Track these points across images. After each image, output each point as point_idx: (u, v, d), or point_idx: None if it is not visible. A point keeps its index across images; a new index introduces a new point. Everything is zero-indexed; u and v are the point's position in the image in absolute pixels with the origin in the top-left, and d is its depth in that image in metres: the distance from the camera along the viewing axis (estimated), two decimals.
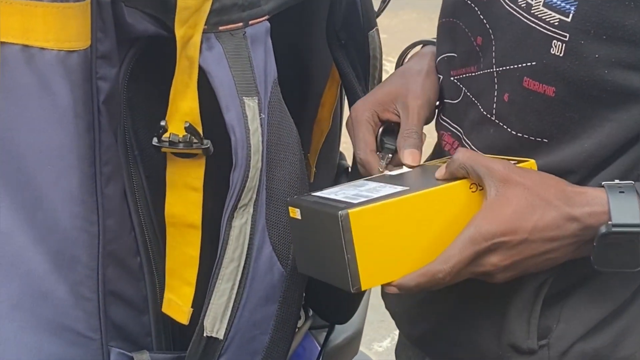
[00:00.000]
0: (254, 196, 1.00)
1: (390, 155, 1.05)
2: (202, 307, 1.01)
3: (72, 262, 0.95)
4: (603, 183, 0.89)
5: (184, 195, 1.00)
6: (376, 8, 1.25)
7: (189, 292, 1.02)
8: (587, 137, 0.91)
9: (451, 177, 0.93)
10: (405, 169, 1.01)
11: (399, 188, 0.92)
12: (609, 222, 0.86)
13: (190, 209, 1.00)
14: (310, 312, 1.42)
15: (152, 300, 1.05)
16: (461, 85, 1.02)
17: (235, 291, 1.01)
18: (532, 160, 0.93)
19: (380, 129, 1.06)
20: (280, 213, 1.03)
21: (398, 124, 1.05)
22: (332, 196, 0.93)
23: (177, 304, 1.03)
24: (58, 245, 0.94)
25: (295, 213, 0.94)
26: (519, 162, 0.93)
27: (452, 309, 1.04)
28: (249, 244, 1.01)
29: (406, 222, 0.89)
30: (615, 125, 0.90)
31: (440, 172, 0.94)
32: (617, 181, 0.89)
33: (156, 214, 1.03)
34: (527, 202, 0.88)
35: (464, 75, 1.01)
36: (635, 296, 0.99)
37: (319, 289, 1.30)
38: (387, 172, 1.01)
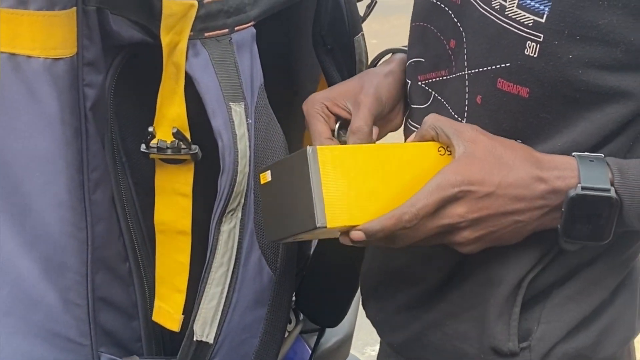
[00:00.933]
0: (242, 201, 1.01)
1: None
2: (192, 312, 1.02)
3: (62, 268, 0.96)
4: (573, 154, 0.90)
5: (173, 201, 1.01)
6: (362, 13, 1.26)
7: (180, 299, 1.03)
8: (560, 137, 0.92)
9: (421, 140, 0.94)
10: None
11: None
12: (578, 185, 0.87)
13: (179, 215, 1.01)
14: (301, 316, 1.42)
15: (141, 305, 1.05)
16: (430, 90, 1.03)
17: (224, 295, 1.01)
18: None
19: (338, 123, 1.06)
20: None
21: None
22: None
23: (168, 311, 1.04)
24: (47, 251, 0.94)
25: (266, 177, 0.95)
26: None
27: (433, 315, 1.04)
28: (237, 248, 1.01)
29: (374, 169, 0.90)
30: (589, 124, 0.91)
31: (411, 137, 0.95)
32: (587, 153, 0.90)
33: (144, 220, 1.03)
34: (495, 159, 0.89)
35: (434, 80, 1.02)
36: (614, 296, 1.00)
37: (310, 293, 1.31)
38: None
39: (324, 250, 1.31)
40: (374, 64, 1.18)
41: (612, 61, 0.87)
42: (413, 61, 1.06)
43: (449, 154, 0.93)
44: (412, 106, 1.07)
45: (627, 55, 0.87)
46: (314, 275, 1.31)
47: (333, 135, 1.06)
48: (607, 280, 0.98)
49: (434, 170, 0.91)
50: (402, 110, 1.12)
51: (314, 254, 1.33)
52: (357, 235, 0.89)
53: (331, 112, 1.06)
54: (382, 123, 1.08)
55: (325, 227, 0.88)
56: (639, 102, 0.89)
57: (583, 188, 0.87)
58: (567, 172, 0.89)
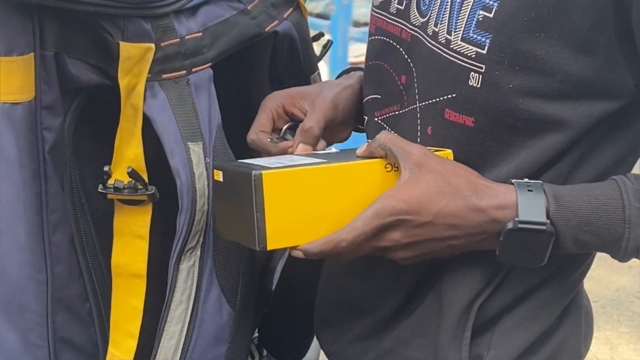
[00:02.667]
0: (201, 239, 1.02)
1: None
2: (146, 356, 1.02)
3: (22, 310, 0.96)
4: (512, 181, 0.93)
5: (130, 243, 1.01)
6: (317, 53, 1.29)
7: (132, 344, 1.03)
8: (505, 164, 0.95)
9: (370, 156, 0.96)
10: (333, 149, 1.04)
11: (318, 160, 0.96)
12: (516, 219, 0.90)
13: (135, 258, 1.01)
14: (265, 352, 1.43)
15: (102, 345, 1.05)
16: (385, 125, 1.06)
17: (184, 333, 1.02)
18: (449, 151, 0.97)
19: (287, 125, 1.09)
20: (228, 254, 1.04)
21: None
22: (255, 162, 0.96)
23: (120, 358, 1.04)
24: (7, 293, 0.95)
25: (219, 175, 0.97)
26: (437, 150, 0.96)
27: (387, 343, 1.06)
28: (197, 286, 1.02)
29: (319, 190, 0.92)
30: (531, 152, 0.94)
31: (361, 150, 0.98)
32: (526, 180, 0.93)
33: (105, 260, 1.04)
34: (437, 187, 0.91)
35: (388, 115, 1.05)
36: (560, 321, 1.03)
37: (273, 328, 1.32)
38: (315, 151, 1.04)
39: (286, 286, 1.32)
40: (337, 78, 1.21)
41: (550, 91, 0.91)
42: (369, 98, 1.09)
43: (395, 170, 0.95)
44: (369, 140, 1.10)
45: (563, 85, 0.91)
46: (277, 310, 1.32)
47: (279, 135, 1.08)
48: (554, 306, 1.01)
49: (380, 187, 0.93)
50: (352, 124, 1.14)
51: (276, 290, 1.34)
52: (297, 254, 0.93)
53: (286, 112, 1.09)
54: (332, 133, 1.11)
55: (265, 249, 0.90)
56: (576, 130, 0.93)
57: (520, 222, 0.90)
58: (505, 202, 0.91)
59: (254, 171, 0.90)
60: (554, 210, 0.91)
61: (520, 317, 1.00)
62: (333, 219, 0.93)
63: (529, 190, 0.91)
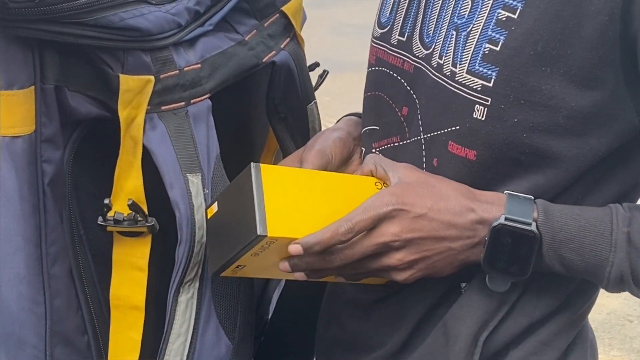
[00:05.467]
0: (200, 270, 1.02)
1: None
2: None
3: (20, 343, 0.96)
4: (505, 191, 0.94)
5: (129, 275, 1.01)
6: (314, 82, 1.29)
7: None
8: None
9: (362, 174, 0.99)
10: None
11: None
12: (502, 215, 0.91)
13: (134, 290, 1.01)
14: None
15: None
16: (383, 156, 1.06)
17: None
18: None
19: None
20: (226, 286, 1.04)
21: None
22: None
23: None
24: (5, 327, 0.94)
25: (213, 209, 0.98)
26: None
27: None
28: (195, 318, 1.02)
29: (314, 191, 0.95)
30: (532, 186, 0.94)
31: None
32: (518, 193, 0.94)
33: (103, 292, 1.03)
34: (428, 187, 0.93)
35: (387, 146, 1.05)
36: (566, 356, 1.02)
37: (269, 358, 1.32)
38: None
39: (282, 314, 1.31)
40: None
41: (555, 126, 0.91)
42: (367, 129, 1.09)
43: (385, 187, 0.96)
44: None
45: (568, 120, 0.91)
46: (273, 339, 1.32)
47: None
48: (559, 341, 1.01)
49: None
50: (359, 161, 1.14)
51: (272, 319, 1.34)
52: (294, 249, 0.91)
53: None
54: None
55: (266, 235, 0.90)
56: (579, 167, 0.93)
57: (506, 219, 0.91)
58: (495, 204, 0.93)
59: (252, 162, 0.92)
60: (541, 221, 0.92)
61: (526, 352, 0.99)
62: (328, 221, 0.93)
63: (519, 198, 0.93)
